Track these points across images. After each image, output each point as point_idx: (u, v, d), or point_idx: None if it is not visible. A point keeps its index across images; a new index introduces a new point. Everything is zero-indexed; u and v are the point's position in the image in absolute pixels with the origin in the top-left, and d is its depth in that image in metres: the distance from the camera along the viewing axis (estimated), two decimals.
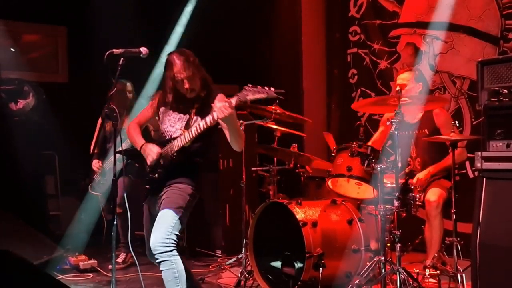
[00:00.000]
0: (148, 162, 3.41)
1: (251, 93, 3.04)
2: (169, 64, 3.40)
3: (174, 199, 3.35)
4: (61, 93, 6.62)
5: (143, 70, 5.82)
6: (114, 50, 3.32)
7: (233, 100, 3.11)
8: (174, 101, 3.43)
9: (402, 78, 4.37)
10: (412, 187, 3.99)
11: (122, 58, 3.34)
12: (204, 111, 3.34)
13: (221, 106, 3.10)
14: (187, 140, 3.31)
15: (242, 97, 3.07)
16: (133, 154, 3.63)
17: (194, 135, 3.28)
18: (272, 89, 3.02)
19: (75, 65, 6.97)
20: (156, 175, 3.43)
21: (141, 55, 3.45)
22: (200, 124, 3.26)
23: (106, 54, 3.28)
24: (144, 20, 6.41)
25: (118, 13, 6.04)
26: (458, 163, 4.36)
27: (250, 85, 3.06)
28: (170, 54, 3.46)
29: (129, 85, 5.27)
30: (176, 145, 3.35)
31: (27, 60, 6.69)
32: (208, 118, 3.21)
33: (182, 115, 3.43)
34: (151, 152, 3.38)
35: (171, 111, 3.46)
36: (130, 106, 5.21)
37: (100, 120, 5.30)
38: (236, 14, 6.57)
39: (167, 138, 3.43)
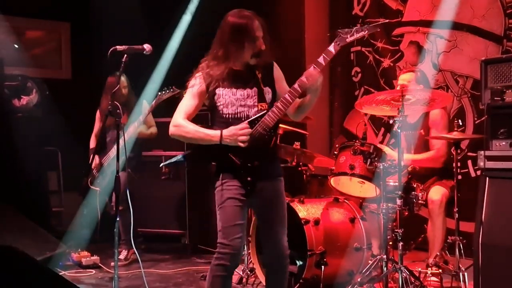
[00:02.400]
0: (243, 144, 2.89)
1: (349, 35, 2.87)
2: (245, 22, 2.99)
3: (284, 198, 3.08)
4: (64, 89, 6.64)
5: (146, 67, 5.81)
6: (117, 46, 3.34)
7: (331, 48, 2.87)
8: (233, 77, 2.98)
9: (404, 78, 4.35)
10: (415, 185, 3.99)
11: (125, 55, 3.35)
12: (268, 79, 3.05)
13: (311, 74, 2.88)
14: (283, 109, 2.90)
15: (341, 41, 2.87)
16: (197, 155, 3.13)
17: (291, 101, 2.90)
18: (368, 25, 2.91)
19: (78, 62, 6.99)
20: (257, 162, 2.94)
21: (144, 52, 3.47)
22: (296, 86, 2.89)
23: (109, 51, 3.29)
24: (148, 17, 6.41)
25: (122, 10, 6.04)
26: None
27: (343, 29, 2.90)
28: (237, 13, 3.07)
29: (123, 80, 5.13)
30: (269, 120, 2.90)
31: (30, 56, 6.70)
32: (303, 79, 2.90)
33: (249, 90, 3.00)
34: (240, 129, 2.89)
35: (234, 89, 2.99)
36: (128, 101, 5.14)
37: (98, 114, 5.29)
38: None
39: (243, 119, 2.96)
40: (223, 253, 2.89)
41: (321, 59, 2.89)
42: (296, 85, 2.90)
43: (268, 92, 3.02)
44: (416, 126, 4.33)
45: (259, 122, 2.91)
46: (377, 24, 2.94)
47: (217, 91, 2.99)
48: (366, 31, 2.89)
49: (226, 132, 2.90)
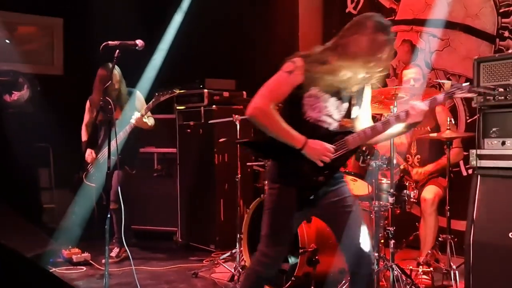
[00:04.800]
0: (321, 164, 2.66)
1: (459, 91, 2.75)
2: (380, 26, 2.64)
3: (351, 198, 2.82)
4: (56, 85, 6.59)
5: (139, 63, 5.79)
6: (109, 42, 3.32)
7: (440, 97, 2.75)
8: (339, 83, 2.69)
9: (415, 72, 4.38)
10: (407, 183, 4.00)
11: (117, 50, 3.33)
12: (358, 98, 2.82)
13: (422, 111, 2.70)
14: (370, 137, 2.72)
15: (452, 94, 2.76)
16: (263, 148, 2.88)
17: (381, 131, 2.72)
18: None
19: (71, 58, 6.95)
20: (322, 178, 2.71)
21: (137, 48, 3.45)
22: (392, 119, 2.70)
23: (101, 46, 3.27)
24: (141, 13, 6.39)
25: (115, 5, 6.01)
26: (454, 163, 4.39)
27: (456, 83, 2.79)
28: (386, 26, 2.68)
29: (116, 73, 5.03)
30: (352, 142, 2.72)
31: (22, 52, 6.65)
32: (403, 115, 2.70)
33: (339, 102, 2.75)
34: (327, 151, 2.66)
35: (328, 96, 2.71)
36: (120, 96, 5.11)
37: (88, 104, 5.25)
38: (233, 8, 6.55)
39: (322, 129, 2.74)
40: (261, 261, 2.78)
41: (426, 104, 2.75)
42: (393, 118, 2.73)
43: (355, 111, 2.82)
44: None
45: (340, 141, 2.72)
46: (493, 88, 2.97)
47: (312, 89, 2.68)
48: (476, 95, 2.90)
49: (312, 144, 2.64)
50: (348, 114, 2.79)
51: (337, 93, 2.72)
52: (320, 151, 2.65)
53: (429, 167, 4.24)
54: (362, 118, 2.89)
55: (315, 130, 2.70)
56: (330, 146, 2.67)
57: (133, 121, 4.85)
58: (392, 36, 2.70)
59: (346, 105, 2.77)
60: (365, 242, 2.71)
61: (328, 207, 2.75)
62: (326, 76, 2.65)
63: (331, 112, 2.74)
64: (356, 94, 2.79)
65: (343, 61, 2.64)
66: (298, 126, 2.67)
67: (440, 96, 2.75)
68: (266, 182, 2.84)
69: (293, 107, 2.73)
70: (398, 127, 2.77)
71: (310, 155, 2.65)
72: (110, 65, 4.59)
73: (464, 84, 2.79)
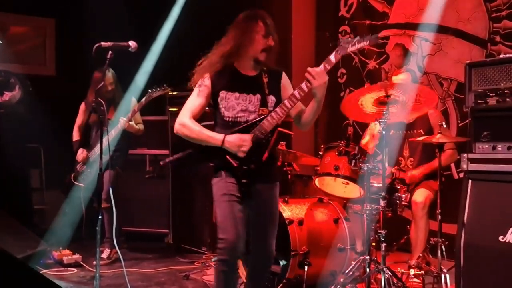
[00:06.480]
0: (242, 154, 2.98)
1: (350, 45, 2.90)
2: (253, 17, 3.09)
3: (277, 202, 3.20)
4: (48, 85, 6.58)
5: (132, 64, 5.78)
6: (102, 43, 3.31)
7: (332, 57, 2.91)
8: (238, 81, 3.07)
9: (402, 79, 4.37)
10: (399, 187, 4.01)
11: (110, 52, 3.33)
12: (274, 87, 3.11)
13: (318, 72, 2.88)
14: (281, 115, 2.96)
15: (342, 50, 2.91)
16: (197, 154, 3.22)
17: (290, 107, 2.95)
18: (370, 35, 2.90)
19: (63, 58, 6.95)
20: (253, 165, 3.02)
21: (129, 49, 3.45)
22: (295, 93, 2.94)
23: (94, 47, 3.26)
24: (134, 13, 6.38)
25: (107, 6, 6.00)
26: (448, 164, 4.41)
27: (344, 39, 2.94)
28: (250, 10, 3.18)
29: (109, 76, 5.05)
30: (267, 124, 2.99)
31: (14, 52, 6.64)
32: (304, 85, 2.92)
33: (252, 95, 3.07)
34: (243, 141, 2.96)
35: (237, 93, 3.06)
36: (114, 97, 5.11)
37: (82, 106, 5.25)
38: (226, 10, 6.55)
39: (242, 123, 3.04)
40: (221, 248, 2.95)
41: (321, 67, 2.93)
42: (296, 92, 2.95)
43: (271, 100, 3.08)
44: (410, 126, 4.35)
45: (257, 126, 2.99)
46: (378, 36, 2.97)
47: (221, 93, 3.06)
48: (368, 42, 2.90)
49: (229, 138, 2.98)
50: (264, 104, 3.04)
51: (243, 88, 3.05)
52: (237, 142, 2.96)
53: (422, 169, 4.26)
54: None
55: (235, 126, 3.03)
56: (246, 136, 2.96)
57: (120, 126, 4.85)
58: (264, 13, 3.08)
59: (258, 96, 3.05)
60: (273, 243, 3.14)
61: (256, 205, 3.10)
62: (225, 78, 3.05)
63: (245, 107, 3.05)
64: (271, 85, 3.08)
65: (228, 59, 3.06)
66: (223, 128, 3.06)
67: (331, 56, 2.93)
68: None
69: (216, 112, 3.12)
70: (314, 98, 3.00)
71: (230, 148, 2.98)
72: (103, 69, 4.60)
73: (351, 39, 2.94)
